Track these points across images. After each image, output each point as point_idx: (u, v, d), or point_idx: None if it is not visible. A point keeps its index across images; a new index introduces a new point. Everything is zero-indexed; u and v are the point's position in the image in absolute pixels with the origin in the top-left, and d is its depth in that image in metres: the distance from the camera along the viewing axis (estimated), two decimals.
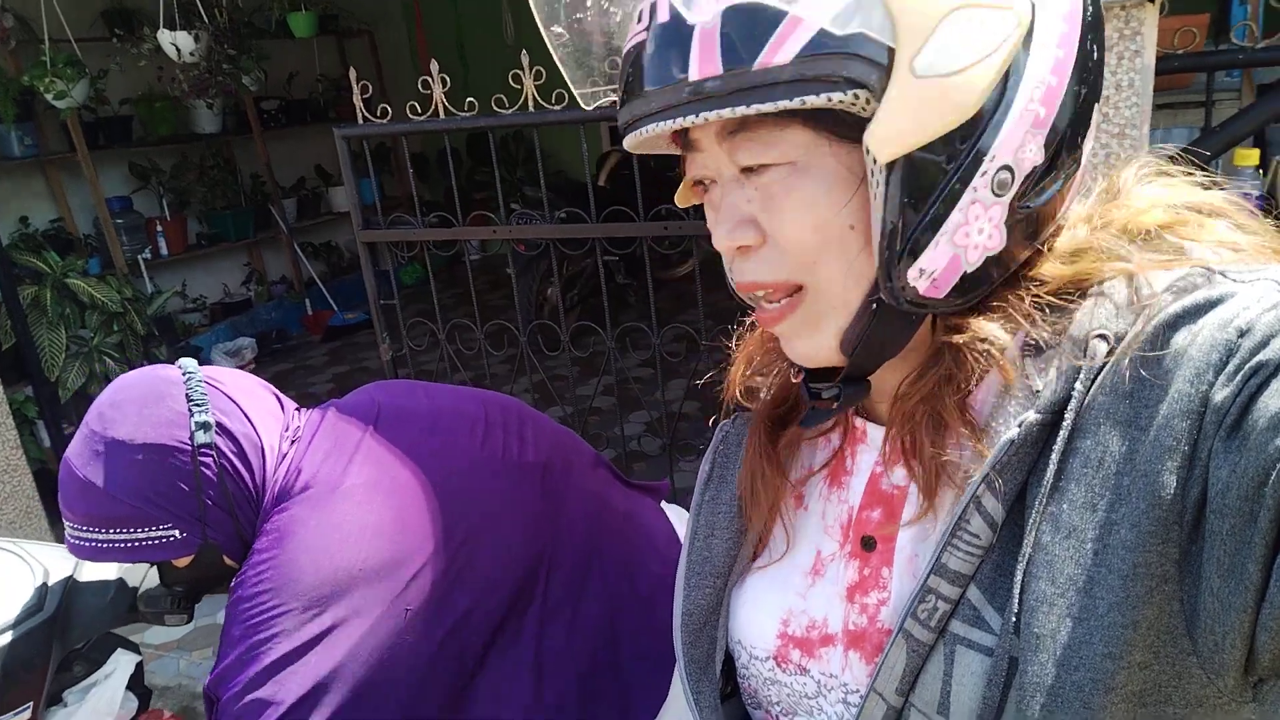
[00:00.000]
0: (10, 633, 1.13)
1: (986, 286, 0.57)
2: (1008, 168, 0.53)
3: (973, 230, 0.54)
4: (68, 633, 1.20)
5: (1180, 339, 0.51)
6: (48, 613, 1.17)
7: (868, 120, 0.51)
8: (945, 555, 0.56)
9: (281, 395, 1.28)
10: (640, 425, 4.16)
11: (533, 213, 2.75)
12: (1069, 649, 0.50)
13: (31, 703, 1.16)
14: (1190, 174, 0.63)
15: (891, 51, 0.50)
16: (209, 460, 1.14)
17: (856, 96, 0.51)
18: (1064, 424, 0.53)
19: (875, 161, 0.52)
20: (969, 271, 0.56)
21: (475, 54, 7.52)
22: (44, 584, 1.19)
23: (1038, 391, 0.55)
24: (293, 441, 1.23)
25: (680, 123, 0.54)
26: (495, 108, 2.42)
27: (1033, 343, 0.58)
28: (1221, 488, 0.46)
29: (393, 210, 2.77)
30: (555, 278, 2.92)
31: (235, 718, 1.04)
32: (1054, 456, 0.53)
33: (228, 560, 1.20)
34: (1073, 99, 0.55)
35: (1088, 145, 0.58)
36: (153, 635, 3.19)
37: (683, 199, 0.68)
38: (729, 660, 0.76)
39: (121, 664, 1.30)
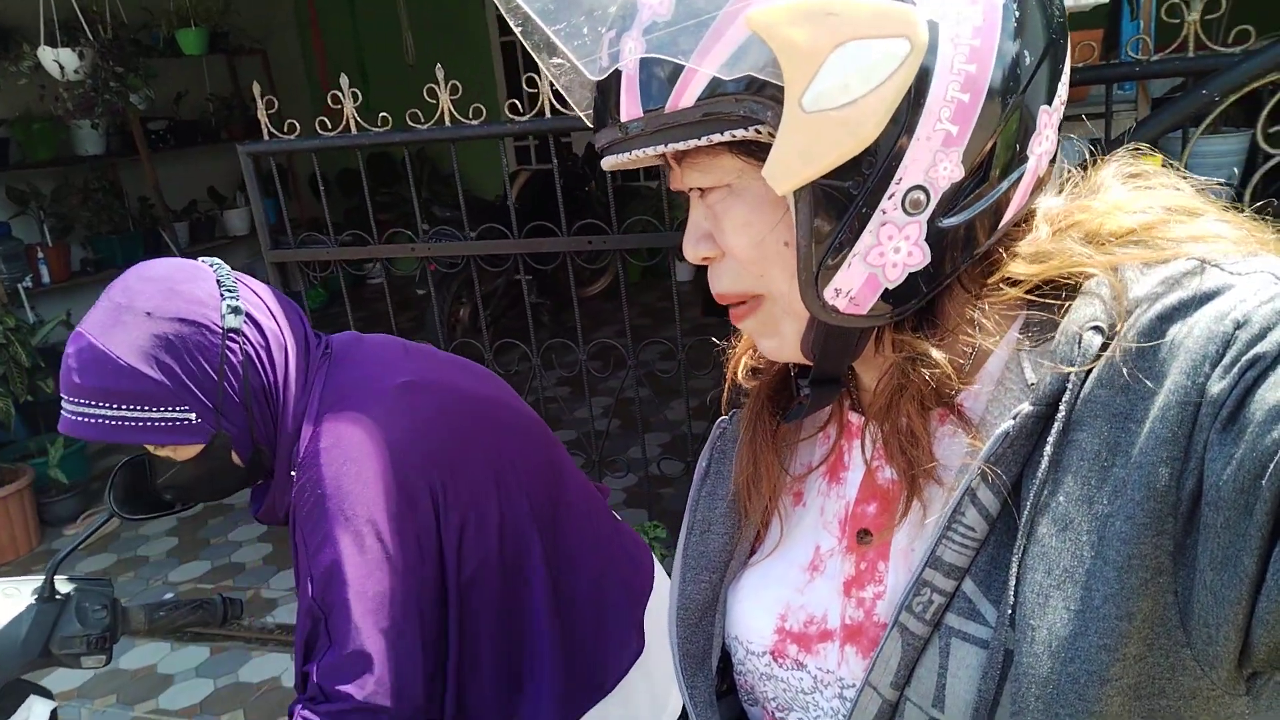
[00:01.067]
0: None
1: (917, 299, 0.58)
2: (920, 187, 0.54)
3: (887, 250, 0.56)
4: None
5: (1175, 331, 0.51)
6: None
7: None
8: (940, 548, 0.56)
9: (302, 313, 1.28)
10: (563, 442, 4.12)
11: (450, 229, 2.70)
12: (1065, 641, 0.50)
13: None
14: (1166, 171, 0.63)
15: (780, 89, 0.52)
16: (235, 347, 1.11)
17: (759, 130, 0.54)
18: (1058, 416, 0.54)
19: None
20: (891, 288, 0.57)
21: (376, 74, 7.39)
22: None
23: (1032, 384, 0.56)
24: (326, 349, 1.23)
25: (621, 159, 0.59)
26: (410, 122, 2.38)
27: (1028, 335, 0.59)
28: (1217, 480, 0.46)
29: (291, 232, 2.68)
30: (474, 296, 2.88)
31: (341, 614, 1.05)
32: (1048, 449, 0.53)
33: (235, 458, 1.17)
34: (996, 110, 0.55)
35: (1041, 147, 0.59)
36: (51, 682, 2.99)
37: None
38: (725, 657, 0.75)
39: (35, 712, 1.20)
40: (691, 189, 0.62)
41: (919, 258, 0.56)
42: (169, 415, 1.08)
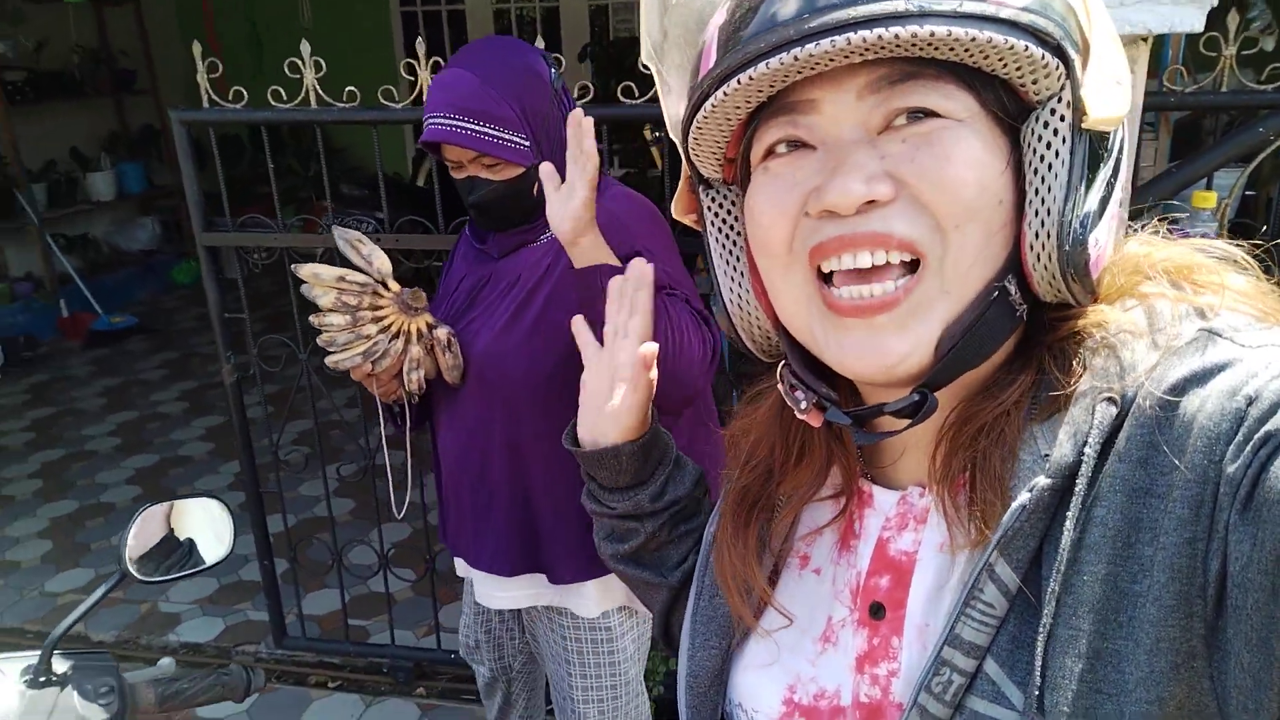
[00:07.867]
0: None
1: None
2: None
3: (1109, 224, 0.56)
4: None
5: (1188, 404, 0.50)
6: None
7: (1026, 109, 0.54)
8: (959, 626, 0.54)
9: None
10: None
11: (422, 220, 2.45)
12: None
13: None
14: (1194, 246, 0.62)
15: (1086, 42, 0.53)
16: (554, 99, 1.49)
17: (1047, 67, 0.51)
18: (1076, 490, 0.52)
19: (1070, 124, 0.53)
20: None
21: (270, 37, 6.83)
22: None
23: (1046, 455, 0.54)
24: None
25: (896, 32, 0.49)
26: (273, 101, 2.14)
27: (1035, 403, 0.57)
28: (1244, 562, 0.46)
29: (159, 200, 2.39)
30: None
31: None
32: (1068, 525, 0.52)
33: (536, 193, 1.45)
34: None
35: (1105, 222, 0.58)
36: None
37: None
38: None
39: None
40: (850, 134, 0.55)
41: (1108, 248, 0.57)
42: (513, 139, 1.43)
